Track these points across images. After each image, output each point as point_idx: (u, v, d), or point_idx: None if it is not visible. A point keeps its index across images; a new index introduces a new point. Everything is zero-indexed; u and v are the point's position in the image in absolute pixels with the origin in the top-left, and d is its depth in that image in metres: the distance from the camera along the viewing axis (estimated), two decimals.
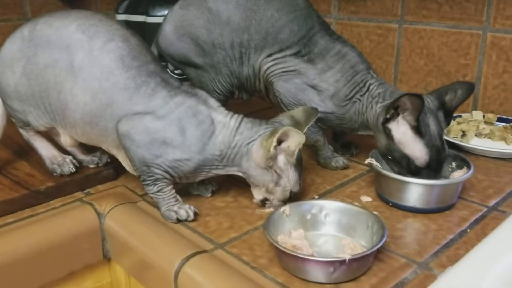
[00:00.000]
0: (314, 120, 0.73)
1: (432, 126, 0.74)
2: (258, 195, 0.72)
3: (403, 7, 1.16)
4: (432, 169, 0.75)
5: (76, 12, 0.72)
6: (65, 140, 0.78)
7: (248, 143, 0.68)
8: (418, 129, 0.72)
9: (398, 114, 0.74)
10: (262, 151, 0.66)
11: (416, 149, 0.73)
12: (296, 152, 0.67)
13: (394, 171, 0.77)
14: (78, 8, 1.40)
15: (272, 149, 0.65)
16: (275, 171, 0.68)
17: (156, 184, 0.70)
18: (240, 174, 0.71)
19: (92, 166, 0.83)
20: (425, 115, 0.73)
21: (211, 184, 0.78)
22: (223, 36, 0.84)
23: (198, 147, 0.68)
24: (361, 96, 0.82)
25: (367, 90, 0.81)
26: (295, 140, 0.66)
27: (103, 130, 0.70)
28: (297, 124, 0.70)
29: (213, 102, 0.71)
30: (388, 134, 0.75)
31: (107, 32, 0.69)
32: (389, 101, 0.77)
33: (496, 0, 1.02)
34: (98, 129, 0.70)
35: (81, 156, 0.83)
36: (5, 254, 0.66)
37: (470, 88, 0.76)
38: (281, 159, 0.68)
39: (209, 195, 0.77)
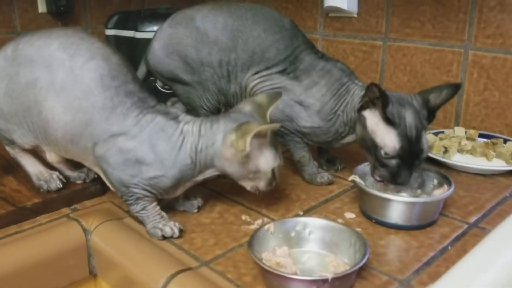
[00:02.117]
0: (277, 101, 0.74)
1: (409, 119, 0.75)
2: (246, 186, 0.73)
3: (387, 25, 1.19)
4: (404, 161, 0.75)
5: (58, 30, 0.73)
6: (50, 156, 0.79)
7: (213, 144, 0.69)
8: (392, 119, 0.74)
9: (374, 105, 0.75)
10: (234, 150, 0.67)
11: (386, 138, 0.75)
12: (268, 134, 0.68)
13: (370, 163, 0.79)
14: (67, 22, 1.41)
15: (247, 147, 0.66)
16: (252, 160, 0.69)
17: (138, 203, 0.70)
18: (218, 173, 0.72)
19: (79, 182, 0.83)
20: (403, 108, 0.75)
21: (197, 200, 0.78)
22: (211, 55, 0.86)
23: (170, 161, 0.68)
24: (344, 106, 0.83)
25: (351, 97, 0.83)
26: (264, 129, 0.67)
27: (84, 149, 0.71)
28: (259, 108, 0.71)
29: (183, 116, 0.72)
30: (363, 122, 0.77)
31: (88, 50, 0.69)
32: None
33: (477, 20, 1.05)
34: (79, 148, 0.71)
35: (68, 172, 0.83)
36: None
37: (455, 88, 0.78)
38: (253, 146, 0.67)
39: (195, 211, 0.78)
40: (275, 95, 0.75)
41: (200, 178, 0.72)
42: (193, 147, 0.69)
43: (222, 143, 0.68)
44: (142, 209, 0.71)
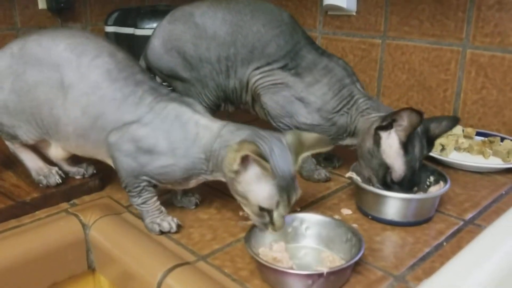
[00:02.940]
0: (322, 151, 0.67)
1: (416, 148, 0.76)
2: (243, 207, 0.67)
3: (386, 24, 1.19)
4: (402, 187, 0.77)
5: (65, 31, 0.74)
6: (56, 152, 0.79)
7: (226, 146, 0.65)
8: (406, 146, 0.75)
9: (392, 127, 0.76)
10: (227, 161, 0.63)
11: (396, 163, 0.76)
12: (268, 167, 0.59)
13: (364, 177, 0.79)
14: (67, 19, 1.41)
15: (236, 166, 0.61)
16: (240, 183, 0.63)
17: (141, 196, 0.71)
18: (224, 180, 0.67)
19: (78, 177, 0.84)
20: (414, 137, 0.76)
21: (195, 196, 0.79)
22: (210, 51, 0.86)
23: (182, 150, 0.67)
24: (348, 109, 0.84)
25: (355, 103, 0.84)
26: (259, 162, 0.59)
27: (96, 142, 0.71)
28: (299, 144, 0.65)
29: (199, 108, 0.71)
30: (377, 140, 0.77)
31: (94, 49, 0.71)
32: (385, 113, 0.79)
33: (475, 18, 1.05)
34: (90, 141, 0.72)
35: (67, 167, 0.84)
36: None
37: (454, 120, 0.79)
38: (253, 171, 0.61)
39: (193, 207, 0.78)
40: (326, 142, 0.67)
41: (210, 177, 0.69)
42: (208, 143, 0.66)
43: (227, 150, 0.64)
44: (143, 203, 0.71)
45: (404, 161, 0.75)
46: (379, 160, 0.77)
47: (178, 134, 0.67)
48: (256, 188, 0.62)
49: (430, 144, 0.79)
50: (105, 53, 0.71)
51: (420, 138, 0.77)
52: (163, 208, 0.73)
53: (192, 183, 0.71)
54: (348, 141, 0.87)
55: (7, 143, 0.80)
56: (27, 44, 0.72)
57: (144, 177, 0.69)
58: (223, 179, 0.67)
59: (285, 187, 0.62)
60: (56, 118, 0.72)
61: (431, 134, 0.78)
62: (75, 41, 0.71)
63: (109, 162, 0.74)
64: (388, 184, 0.77)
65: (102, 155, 0.73)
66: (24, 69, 0.71)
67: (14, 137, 0.77)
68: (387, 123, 0.75)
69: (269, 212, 0.63)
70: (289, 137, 0.65)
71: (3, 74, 0.73)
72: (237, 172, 0.62)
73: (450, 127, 0.79)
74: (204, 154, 0.67)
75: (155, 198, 0.72)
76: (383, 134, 0.77)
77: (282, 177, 0.61)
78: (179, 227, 0.72)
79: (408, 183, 0.77)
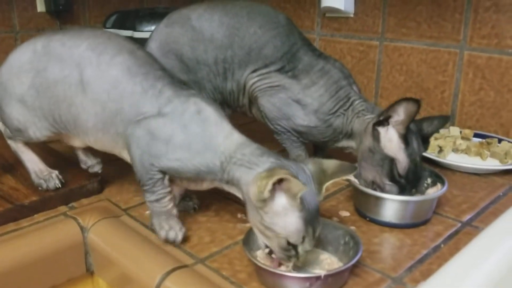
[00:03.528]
0: (345, 177, 0.65)
1: (414, 144, 0.77)
2: (259, 238, 0.63)
3: (384, 25, 1.20)
4: (409, 181, 0.77)
5: (88, 31, 0.75)
6: (74, 142, 0.79)
7: (249, 168, 0.62)
8: (405, 138, 0.75)
9: (389, 122, 0.76)
10: (256, 188, 0.58)
11: (399, 154, 0.76)
12: (298, 196, 0.56)
13: (366, 181, 0.79)
14: (66, 21, 1.41)
15: (266, 193, 0.56)
16: (267, 213, 0.59)
17: (154, 192, 0.69)
18: (241, 197, 0.64)
19: (84, 167, 0.86)
20: (409, 133, 0.76)
21: (193, 201, 0.79)
22: (207, 53, 0.87)
23: (198, 145, 0.65)
24: (344, 110, 0.84)
25: (351, 104, 0.84)
26: (294, 186, 0.56)
27: (114, 135, 0.71)
28: (322, 173, 0.62)
29: (218, 107, 0.70)
30: (376, 136, 0.78)
31: (114, 48, 0.71)
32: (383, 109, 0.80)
33: (472, 20, 1.05)
34: (109, 135, 0.72)
35: (82, 156, 0.86)
36: None
37: (445, 119, 0.81)
38: (280, 201, 0.58)
39: (191, 211, 0.78)
40: (348, 168, 0.64)
41: (226, 187, 0.67)
42: (227, 153, 0.64)
43: (253, 178, 0.60)
44: (157, 200, 0.69)
45: (406, 153, 0.76)
46: (382, 154, 0.77)
47: (196, 130, 0.66)
48: (283, 220, 0.58)
49: (425, 142, 0.80)
50: (125, 51, 0.72)
51: (416, 136, 0.78)
52: (174, 211, 0.71)
53: (206, 185, 0.69)
54: (344, 143, 0.87)
55: (9, 141, 0.80)
56: (51, 43, 0.73)
57: (158, 168, 0.68)
58: (238, 195, 0.65)
59: (310, 221, 0.59)
60: (75, 114, 0.72)
61: (424, 132, 0.79)
62: (96, 41, 0.72)
63: (125, 156, 0.73)
64: (395, 179, 0.77)
65: (119, 149, 0.73)
66: (45, 66, 0.72)
67: (19, 133, 0.77)
68: (384, 118, 0.76)
69: (294, 246, 0.60)
70: (310, 166, 0.63)
71: (24, 69, 0.73)
72: (265, 201, 0.58)
73: (441, 125, 0.81)
74: (220, 162, 0.64)
75: (169, 197, 0.70)
76: (381, 130, 0.77)
77: (308, 210, 0.59)
78: (184, 238, 0.70)
79: (414, 176, 0.77)
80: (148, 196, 0.70)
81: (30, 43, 0.75)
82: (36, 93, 0.73)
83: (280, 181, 0.56)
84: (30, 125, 0.76)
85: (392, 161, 0.77)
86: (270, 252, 0.63)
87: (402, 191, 0.77)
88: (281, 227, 0.58)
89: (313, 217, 0.60)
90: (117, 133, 0.71)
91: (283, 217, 0.58)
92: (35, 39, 0.75)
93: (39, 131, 0.76)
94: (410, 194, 0.78)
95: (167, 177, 0.69)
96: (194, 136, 0.66)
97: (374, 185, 0.79)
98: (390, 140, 0.76)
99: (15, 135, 0.78)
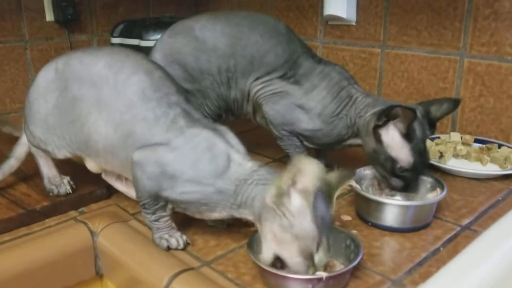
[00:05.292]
0: (347, 183, 0.66)
1: (418, 131, 0.79)
2: (267, 251, 0.62)
3: (385, 33, 1.22)
4: (416, 171, 0.80)
5: (106, 49, 0.76)
6: (90, 165, 0.78)
7: (264, 184, 0.63)
8: (408, 136, 0.78)
9: (389, 121, 0.79)
10: (275, 188, 0.59)
11: (402, 153, 0.79)
12: (311, 194, 0.58)
13: (380, 174, 0.82)
14: (74, 30, 1.45)
15: (285, 187, 0.58)
16: (284, 215, 0.59)
17: (155, 214, 0.70)
18: (252, 218, 0.65)
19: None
20: (413, 122, 0.78)
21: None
22: (210, 63, 0.89)
23: (209, 180, 0.65)
24: (347, 111, 0.86)
25: (353, 103, 0.86)
26: (307, 182, 0.57)
27: (124, 159, 0.70)
28: (327, 186, 0.62)
29: (231, 138, 0.70)
30: (378, 139, 0.80)
31: (131, 67, 0.71)
32: (379, 108, 0.82)
33: (472, 28, 1.07)
34: (119, 159, 0.71)
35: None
36: (2, 271, 0.69)
37: (455, 103, 0.83)
38: (296, 201, 0.59)
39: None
40: (347, 174, 0.65)
41: (236, 214, 0.66)
42: (241, 178, 0.64)
43: (271, 185, 0.60)
44: (156, 220, 0.71)
45: (409, 149, 0.78)
46: (384, 154, 0.80)
47: (207, 166, 0.65)
48: (300, 222, 0.59)
49: (432, 126, 0.82)
50: (142, 70, 0.71)
51: (421, 121, 0.80)
52: (173, 224, 0.73)
53: (215, 216, 0.69)
54: (351, 141, 0.89)
55: (30, 144, 0.82)
56: (70, 61, 0.74)
57: (164, 198, 0.68)
58: (250, 218, 0.65)
59: (324, 231, 0.59)
60: (87, 134, 0.72)
61: (432, 116, 0.81)
62: (114, 58, 0.72)
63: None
64: (398, 174, 0.79)
65: (128, 172, 0.71)
66: (66, 85, 0.73)
67: (42, 149, 0.79)
68: (383, 122, 0.79)
69: (311, 255, 0.60)
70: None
71: (49, 88, 0.75)
72: (283, 199, 0.59)
73: (451, 110, 0.82)
74: (235, 186, 0.65)
75: (169, 216, 0.72)
76: (382, 131, 0.80)
77: (322, 219, 0.59)
78: (187, 244, 0.72)
79: (421, 165, 0.79)
80: (148, 217, 0.71)
81: (52, 62, 0.76)
82: (58, 112, 0.74)
83: (295, 183, 0.57)
84: (50, 143, 0.77)
85: (393, 161, 0.79)
86: (275, 265, 0.63)
87: (409, 184, 0.80)
88: (298, 229, 0.59)
89: (327, 228, 0.60)
90: (127, 157, 0.69)
91: (300, 219, 0.58)
92: (58, 57, 0.77)
93: (57, 150, 0.77)
94: (417, 184, 0.80)
95: (170, 205, 0.70)
96: (204, 172, 0.65)
97: (385, 180, 0.82)
98: (393, 139, 0.79)
99: (38, 149, 0.81)
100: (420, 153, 0.79)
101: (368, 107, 0.84)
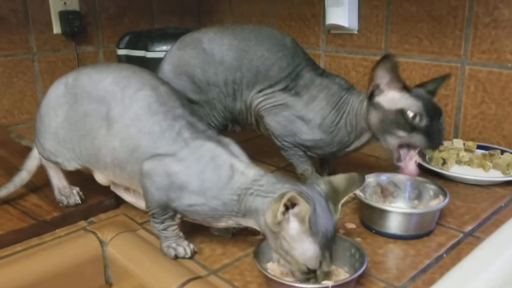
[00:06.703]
0: (355, 190, 0.67)
1: (420, 90, 0.82)
2: (275, 256, 0.66)
3: (387, 41, 1.24)
4: (430, 116, 0.79)
5: (114, 65, 0.78)
6: (99, 178, 0.80)
7: (265, 197, 0.64)
8: (405, 88, 0.80)
9: (381, 89, 0.81)
10: (270, 213, 0.60)
11: (408, 100, 0.80)
12: (306, 219, 0.58)
13: (395, 151, 0.83)
14: (81, 42, 1.47)
15: (279, 215, 0.59)
16: (285, 238, 0.61)
17: (163, 223, 0.72)
18: (258, 228, 0.66)
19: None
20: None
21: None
22: (217, 75, 0.91)
23: (214, 192, 0.67)
24: (346, 117, 0.88)
25: (350, 105, 0.88)
26: (302, 208, 0.58)
27: (130, 172, 0.73)
28: (334, 192, 0.64)
29: (235, 149, 0.71)
30: (378, 107, 0.82)
31: (138, 82, 0.74)
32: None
33: (472, 36, 1.09)
34: (126, 172, 0.73)
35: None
36: (14, 280, 0.71)
37: (448, 75, 0.87)
38: (293, 226, 0.60)
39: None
40: (356, 179, 0.66)
41: (242, 222, 0.68)
42: (243, 187, 0.66)
43: (268, 204, 0.62)
44: (165, 229, 0.72)
45: (413, 95, 0.80)
46: (392, 113, 0.81)
47: (211, 176, 0.67)
48: (300, 246, 0.60)
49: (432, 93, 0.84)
50: (148, 86, 0.74)
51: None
52: (181, 234, 0.74)
53: (221, 225, 0.71)
54: (355, 145, 0.90)
55: (41, 156, 0.84)
56: (80, 76, 0.77)
57: (171, 211, 0.71)
58: (255, 227, 0.66)
59: (326, 244, 0.61)
60: (97, 148, 0.74)
61: (429, 89, 0.84)
62: (121, 74, 0.75)
63: (142, 191, 0.73)
64: (415, 126, 0.79)
65: (135, 185, 0.74)
66: (75, 100, 0.76)
67: (51, 161, 0.81)
68: (373, 89, 0.81)
69: (313, 270, 0.62)
70: (323, 187, 0.65)
71: (59, 103, 0.77)
72: (280, 225, 0.60)
73: (444, 80, 0.85)
74: (237, 196, 0.66)
75: (177, 225, 0.73)
76: (379, 98, 0.82)
77: (323, 234, 0.60)
78: (194, 253, 0.73)
79: (434, 111, 0.80)
80: (156, 226, 0.73)
81: (63, 77, 0.79)
82: (68, 125, 0.77)
83: (293, 205, 0.59)
84: (60, 155, 0.79)
85: (403, 111, 0.80)
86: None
87: (430, 135, 0.80)
88: (299, 253, 0.60)
89: (329, 241, 0.61)
90: (133, 170, 0.72)
91: (299, 243, 0.60)
92: (69, 73, 0.79)
93: (67, 162, 0.79)
94: (439, 134, 0.80)
95: (178, 215, 0.72)
96: (209, 183, 0.67)
97: (403, 148, 0.82)
98: (393, 99, 0.81)
99: (48, 161, 0.82)
100: (428, 101, 0.80)
101: (363, 101, 0.86)
